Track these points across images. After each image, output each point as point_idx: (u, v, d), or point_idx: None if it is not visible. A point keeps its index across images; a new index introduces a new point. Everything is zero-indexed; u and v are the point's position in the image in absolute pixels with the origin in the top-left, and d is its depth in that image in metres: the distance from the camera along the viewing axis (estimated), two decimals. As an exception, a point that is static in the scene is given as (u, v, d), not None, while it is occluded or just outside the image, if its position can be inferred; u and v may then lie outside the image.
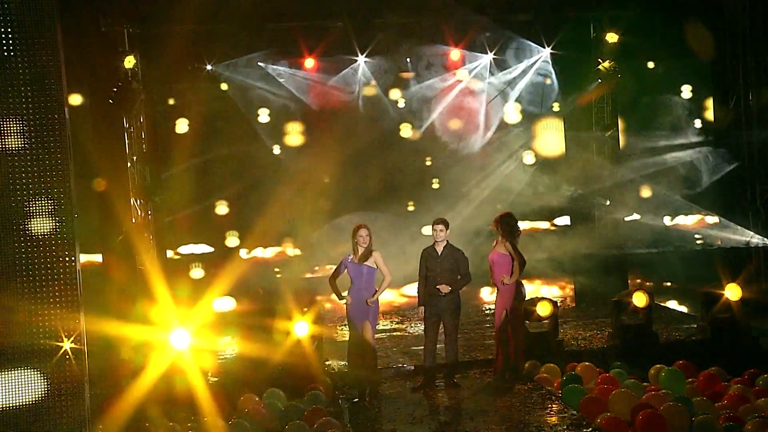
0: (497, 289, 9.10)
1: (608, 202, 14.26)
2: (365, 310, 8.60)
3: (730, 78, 13.69)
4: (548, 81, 14.50)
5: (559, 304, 10.79)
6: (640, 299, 10.51)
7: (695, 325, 11.44)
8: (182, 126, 14.24)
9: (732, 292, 10.59)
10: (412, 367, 9.91)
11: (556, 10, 13.65)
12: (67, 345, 5.16)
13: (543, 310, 10.22)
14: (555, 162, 14.74)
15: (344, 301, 8.70)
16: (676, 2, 13.29)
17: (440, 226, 8.81)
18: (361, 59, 13.89)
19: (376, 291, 8.62)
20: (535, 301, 10.36)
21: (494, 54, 14.14)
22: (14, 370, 5.07)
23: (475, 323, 12.68)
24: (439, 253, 8.80)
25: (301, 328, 9.43)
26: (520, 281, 9.21)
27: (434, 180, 14.98)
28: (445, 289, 8.70)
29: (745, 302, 10.61)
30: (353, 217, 13.61)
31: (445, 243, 8.83)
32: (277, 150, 14.72)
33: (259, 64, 13.88)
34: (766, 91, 13.11)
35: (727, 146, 13.96)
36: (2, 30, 5.08)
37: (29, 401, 5.07)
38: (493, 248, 9.13)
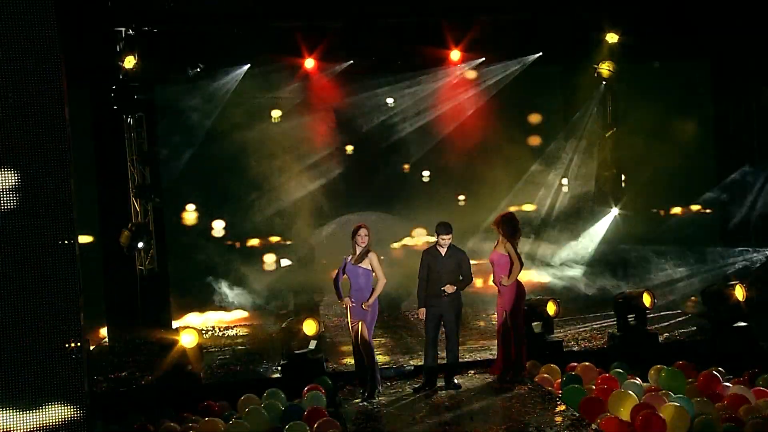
0: (497, 290, 9.10)
1: (611, 202, 14.29)
2: (363, 311, 8.60)
3: (729, 78, 13.71)
4: None
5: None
6: (647, 299, 10.58)
7: (695, 326, 11.48)
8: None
9: (738, 291, 10.67)
10: (412, 367, 9.91)
11: (556, 11, 13.66)
12: (67, 344, 5.16)
13: (550, 309, 10.36)
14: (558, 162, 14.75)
15: (344, 302, 8.69)
16: (676, 2, 13.30)
17: (449, 236, 8.70)
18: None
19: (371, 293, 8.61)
20: (543, 300, 10.47)
21: (492, 55, 14.14)
22: (14, 370, 5.06)
23: (476, 323, 12.69)
24: (443, 255, 8.77)
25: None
26: (520, 282, 9.17)
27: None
28: (450, 289, 8.67)
29: (748, 302, 10.68)
30: (352, 217, 13.69)
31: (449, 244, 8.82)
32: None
33: (259, 67, 13.86)
34: (767, 91, 13.12)
35: (727, 146, 13.97)
36: (1, 30, 5.08)
37: (29, 400, 5.06)
38: (494, 248, 9.14)
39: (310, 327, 9.84)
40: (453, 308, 8.79)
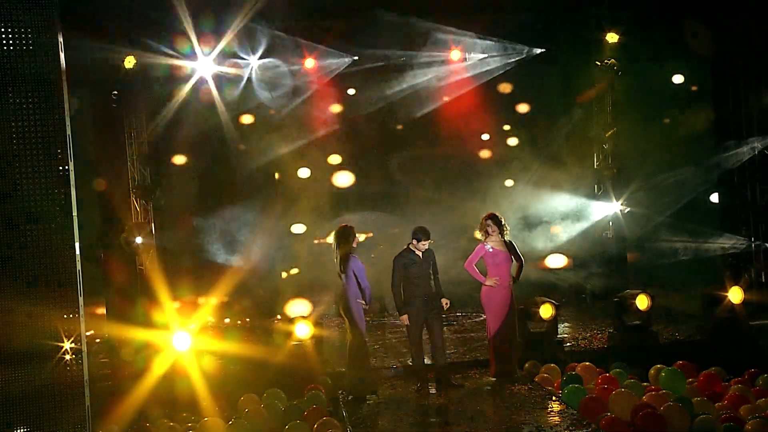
0: (495, 286, 8.99)
1: (611, 201, 14.30)
2: (362, 311, 8.66)
3: (730, 78, 13.70)
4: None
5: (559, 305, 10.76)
6: (642, 302, 10.53)
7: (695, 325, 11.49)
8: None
9: (734, 294, 10.64)
10: (407, 368, 9.90)
11: (557, 10, 13.69)
12: (67, 345, 5.16)
13: (545, 312, 10.27)
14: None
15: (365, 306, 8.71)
16: (677, 2, 13.30)
17: (428, 242, 8.73)
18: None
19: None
20: (537, 302, 10.38)
21: (492, 53, 14.14)
22: (14, 372, 5.06)
23: (475, 323, 12.69)
24: (422, 257, 8.77)
25: (301, 329, 9.51)
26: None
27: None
28: (446, 303, 8.77)
29: (746, 304, 10.67)
30: (353, 217, 13.68)
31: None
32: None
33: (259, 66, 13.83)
34: (766, 91, 13.11)
35: (727, 146, 13.96)
36: (2, 30, 5.08)
37: (29, 402, 5.06)
38: (490, 247, 9.06)
39: (304, 329, 9.86)
40: (436, 309, 8.80)
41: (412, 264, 8.72)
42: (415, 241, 8.74)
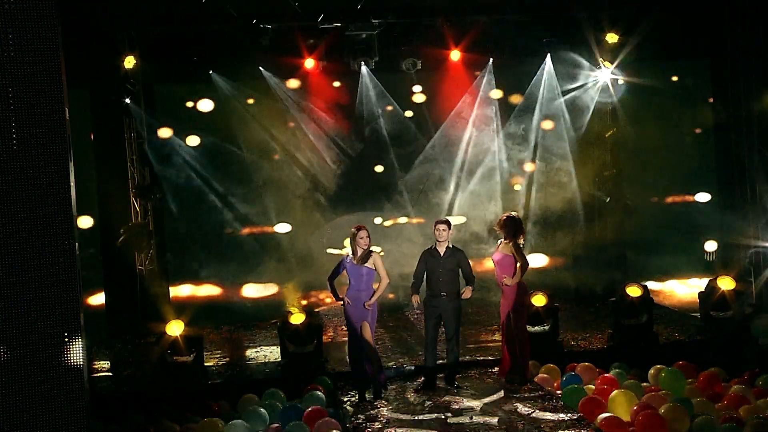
0: (501, 291, 9.07)
1: (608, 199, 14.30)
2: (364, 312, 8.58)
3: (730, 78, 13.70)
4: None
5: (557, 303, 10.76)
6: (633, 291, 10.56)
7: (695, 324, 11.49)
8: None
9: (725, 283, 10.69)
10: (413, 367, 9.91)
11: (557, 10, 13.68)
12: (67, 343, 5.16)
13: (538, 301, 10.28)
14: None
15: (342, 302, 8.71)
16: (677, 2, 13.31)
17: (443, 226, 8.82)
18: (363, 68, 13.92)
19: (374, 293, 8.61)
20: (529, 294, 10.36)
21: (493, 56, 14.13)
22: (14, 371, 5.07)
23: (477, 323, 12.68)
24: (442, 254, 8.80)
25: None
26: (523, 282, 9.12)
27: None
28: (468, 293, 8.76)
29: (739, 294, 10.70)
30: (352, 218, 13.68)
31: (447, 244, 8.84)
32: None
33: (260, 68, 13.84)
34: (767, 91, 13.11)
35: (728, 146, 13.96)
36: (2, 30, 5.08)
37: (30, 401, 5.07)
38: (496, 249, 9.11)
39: (297, 317, 9.92)
40: (452, 308, 8.80)
41: (432, 259, 8.84)
42: (433, 228, 8.89)
